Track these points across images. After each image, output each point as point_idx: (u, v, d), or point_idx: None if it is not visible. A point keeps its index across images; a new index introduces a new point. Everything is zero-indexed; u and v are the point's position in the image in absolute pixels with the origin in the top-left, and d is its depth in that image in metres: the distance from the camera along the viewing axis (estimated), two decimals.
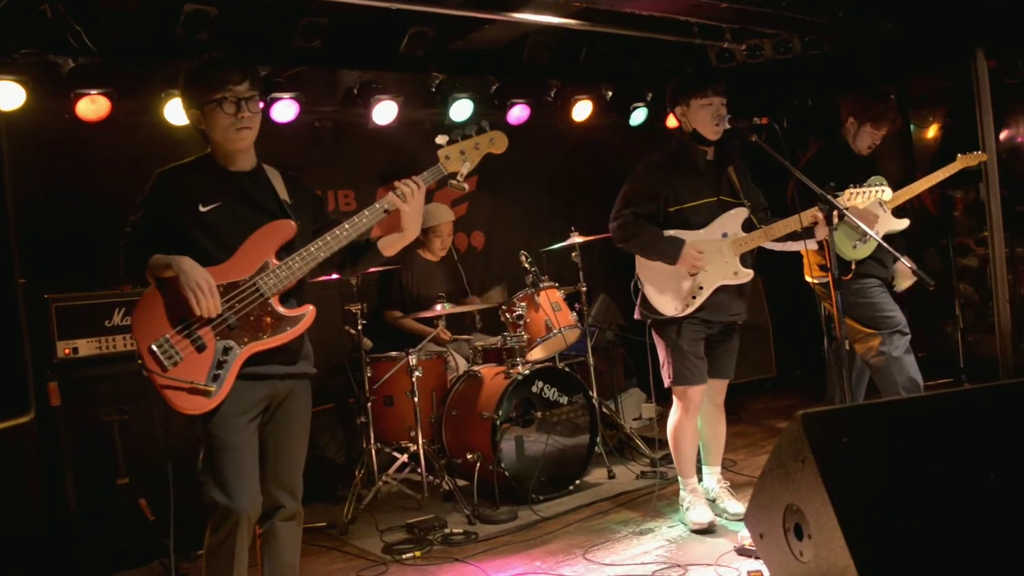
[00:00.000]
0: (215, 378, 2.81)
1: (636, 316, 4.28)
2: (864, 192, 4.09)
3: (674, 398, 4.23)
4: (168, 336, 2.79)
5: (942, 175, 4.77)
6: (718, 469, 4.47)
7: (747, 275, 4.12)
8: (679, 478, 4.34)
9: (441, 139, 3.09)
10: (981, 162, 4.95)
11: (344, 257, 3.13)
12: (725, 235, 4.10)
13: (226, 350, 2.84)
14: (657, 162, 4.20)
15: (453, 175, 3.11)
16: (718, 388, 4.33)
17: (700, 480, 4.42)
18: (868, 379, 4.88)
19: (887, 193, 4.28)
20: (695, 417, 4.23)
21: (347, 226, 2.98)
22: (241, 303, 2.87)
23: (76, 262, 4.90)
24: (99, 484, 4.34)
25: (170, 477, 3.17)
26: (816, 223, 3.91)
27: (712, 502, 4.38)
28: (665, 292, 4.12)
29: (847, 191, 4.06)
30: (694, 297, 4.06)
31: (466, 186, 3.13)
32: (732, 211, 4.12)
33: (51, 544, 4.24)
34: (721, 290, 4.09)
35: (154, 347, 2.77)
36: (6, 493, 3.97)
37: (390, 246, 3.15)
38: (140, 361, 2.79)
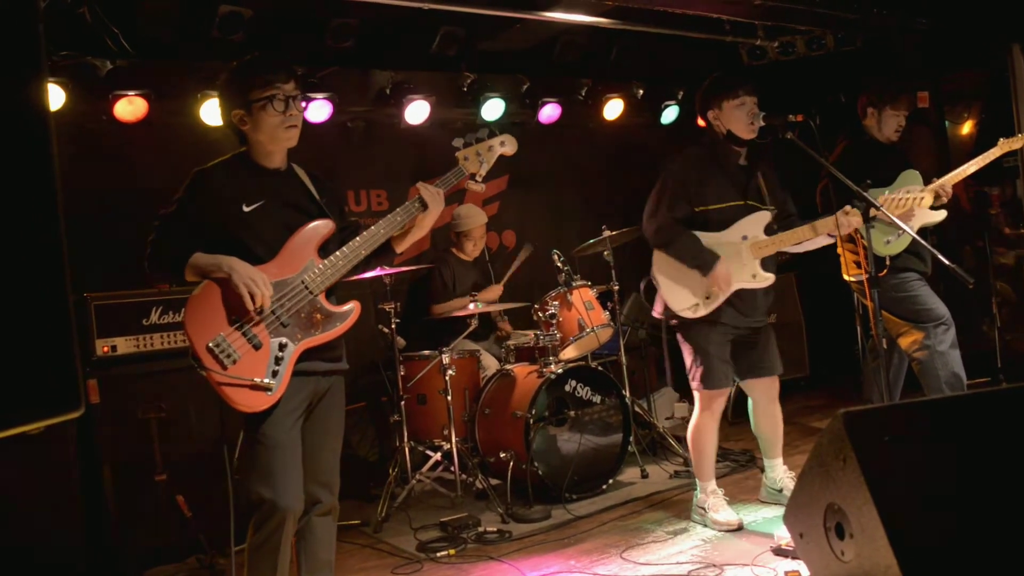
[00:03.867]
0: (274, 374, 2.84)
1: (654, 314, 4.26)
2: (897, 199, 4.05)
3: (696, 400, 4.20)
4: (224, 334, 2.81)
5: (983, 161, 4.66)
6: (780, 460, 4.43)
7: (766, 279, 4.04)
8: (696, 482, 4.31)
9: (458, 142, 3.26)
10: None
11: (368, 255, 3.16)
12: (745, 238, 4.04)
13: (281, 347, 2.87)
14: (692, 158, 4.15)
15: (472, 176, 3.26)
16: (769, 384, 4.27)
17: (763, 471, 4.48)
18: (905, 377, 4.83)
19: (925, 200, 4.21)
20: (716, 421, 4.20)
21: (383, 224, 3.06)
22: (291, 300, 2.91)
23: (114, 261, 4.94)
24: (137, 480, 4.39)
25: (229, 470, 3.13)
26: (832, 232, 3.87)
27: (779, 492, 4.37)
28: (681, 291, 4.07)
29: (880, 198, 4.02)
30: (707, 297, 4.01)
31: (483, 186, 3.33)
32: (755, 214, 4.06)
33: (89, 539, 4.29)
34: (741, 294, 4.04)
35: (212, 345, 2.78)
36: (46, 489, 4.03)
37: (401, 243, 3.23)
38: (196, 360, 2.79)
